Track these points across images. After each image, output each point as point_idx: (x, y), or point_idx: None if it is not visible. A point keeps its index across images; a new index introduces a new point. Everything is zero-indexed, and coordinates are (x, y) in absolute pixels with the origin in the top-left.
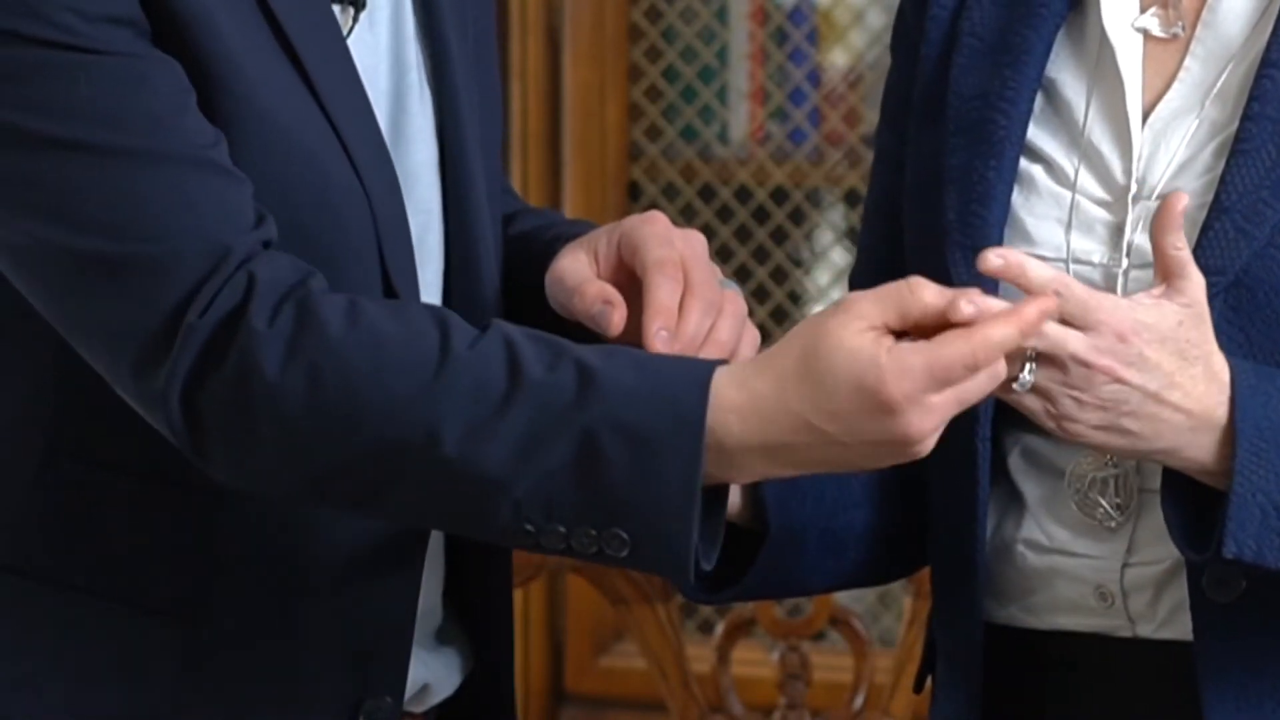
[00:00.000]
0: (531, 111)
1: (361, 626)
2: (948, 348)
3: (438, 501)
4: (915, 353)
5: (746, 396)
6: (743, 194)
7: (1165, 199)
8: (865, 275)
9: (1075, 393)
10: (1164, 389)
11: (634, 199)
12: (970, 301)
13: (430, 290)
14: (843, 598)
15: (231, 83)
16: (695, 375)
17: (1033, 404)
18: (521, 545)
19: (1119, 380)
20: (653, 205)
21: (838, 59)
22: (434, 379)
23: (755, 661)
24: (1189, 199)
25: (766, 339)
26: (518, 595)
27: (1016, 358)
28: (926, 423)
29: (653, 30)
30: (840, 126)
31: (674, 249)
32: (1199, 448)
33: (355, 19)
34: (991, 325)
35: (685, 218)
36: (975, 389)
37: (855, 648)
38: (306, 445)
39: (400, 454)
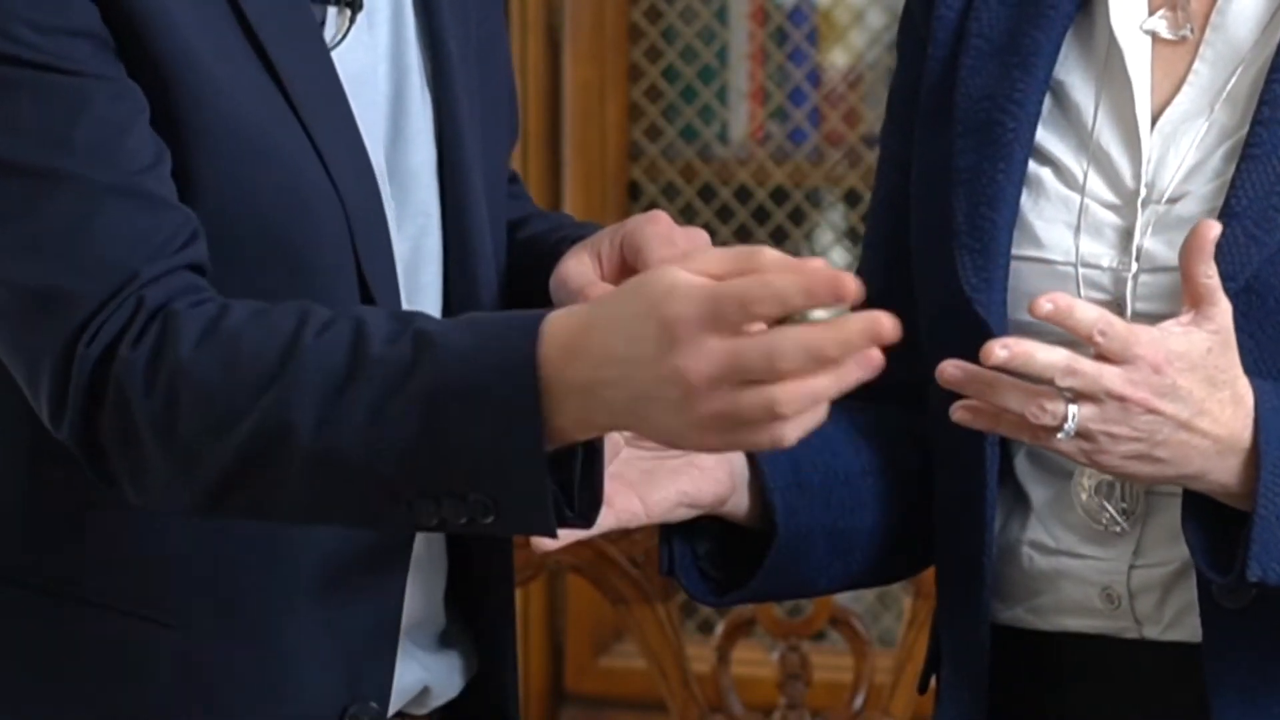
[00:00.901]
0: (531, 111)
1: (347, 631)
2: (729, 282)
3: (319, 495)
4: (704, 284)
5: (568, 336)
6: (743, 194)
7: (1196, 226)
8: (870, 275)
9: (1111, 427)
10: (1194, 417)
11: (634, 199)
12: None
13: (429, 292)
14: (843, 598)
15: (199, 90)
16: (526, 325)
17: (1069, 448)
18: (404, 526)
19: (1153, 411)
20: (653, 205)
21: (838, 59)
22: (280, 374)
23: (755, 661)
24: (1199, 204)
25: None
26: (518, 595)
27: (1053, 402)
28: (699, 363)
29: (653, 30)
30: (840, 126)
31: (677, 249)
32: (1224, 471)
33: (352, 20)
34: (777, 274)
35: (685, 218)
36: (752, 359)
37: (855, 648)
38: (185, 461)
39: (265, 455)
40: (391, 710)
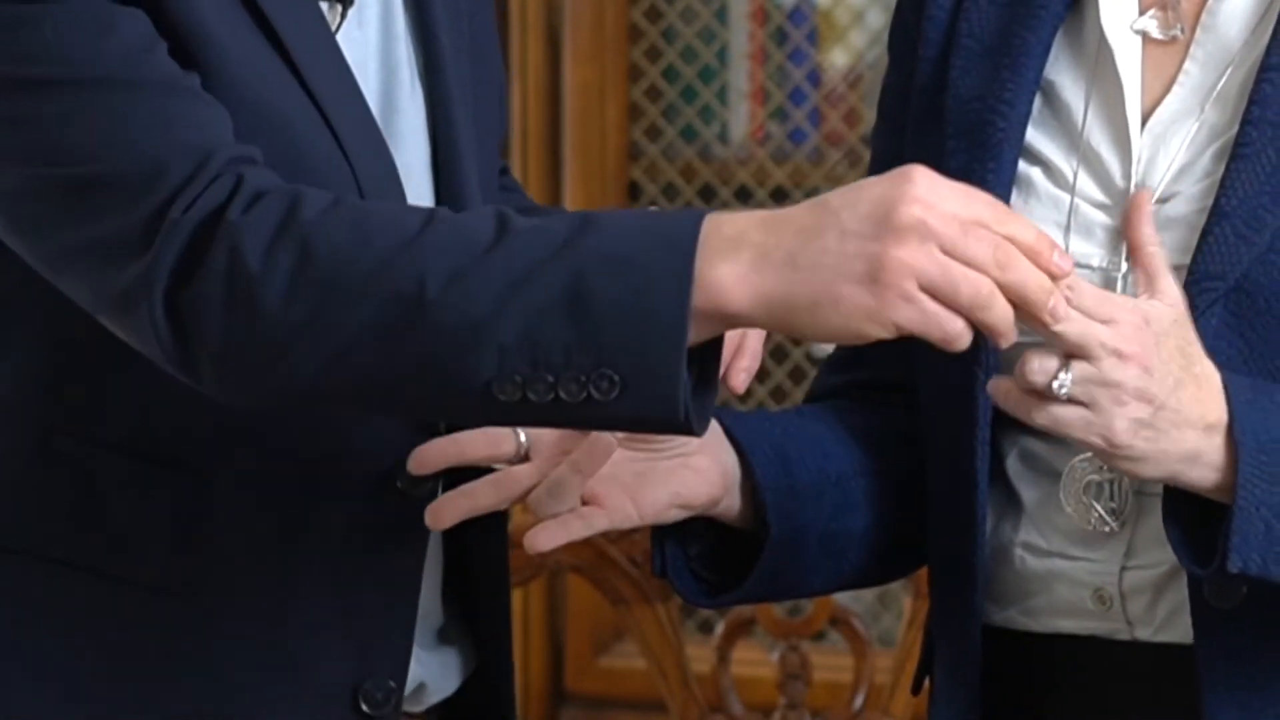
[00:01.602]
0: (531, 111)
1: (361, 608)
2: (1022, 228)
3: (426, 363)
4: (960, 211)
5: (725, 237)
6: (743, 194)
7: (1133, 196)
8: None
9: (1112, 390)
10: (1178, 386)
11: (634, 199)
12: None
13: None
14: (843, 598)
15: (213, 60)
16: (693, 214)
17: (1073, 416)
18: (505, 413)
19: (1147, 369)
20: (653, 205)
21: (838, 59)
22: (419, 234)
23: (755, 661)
24: (1189, 204)
25: (766, 338)
26: (517, 595)
27: (1046, 358)
28: (914, 258)
29: (653, 30)
30: (840, 126)
31: None
32: (1212, 451)
33: (343, 15)
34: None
35: None
36: (969, 288)
37: (855, 648)
38: (297, 324)
39: (386, 310)
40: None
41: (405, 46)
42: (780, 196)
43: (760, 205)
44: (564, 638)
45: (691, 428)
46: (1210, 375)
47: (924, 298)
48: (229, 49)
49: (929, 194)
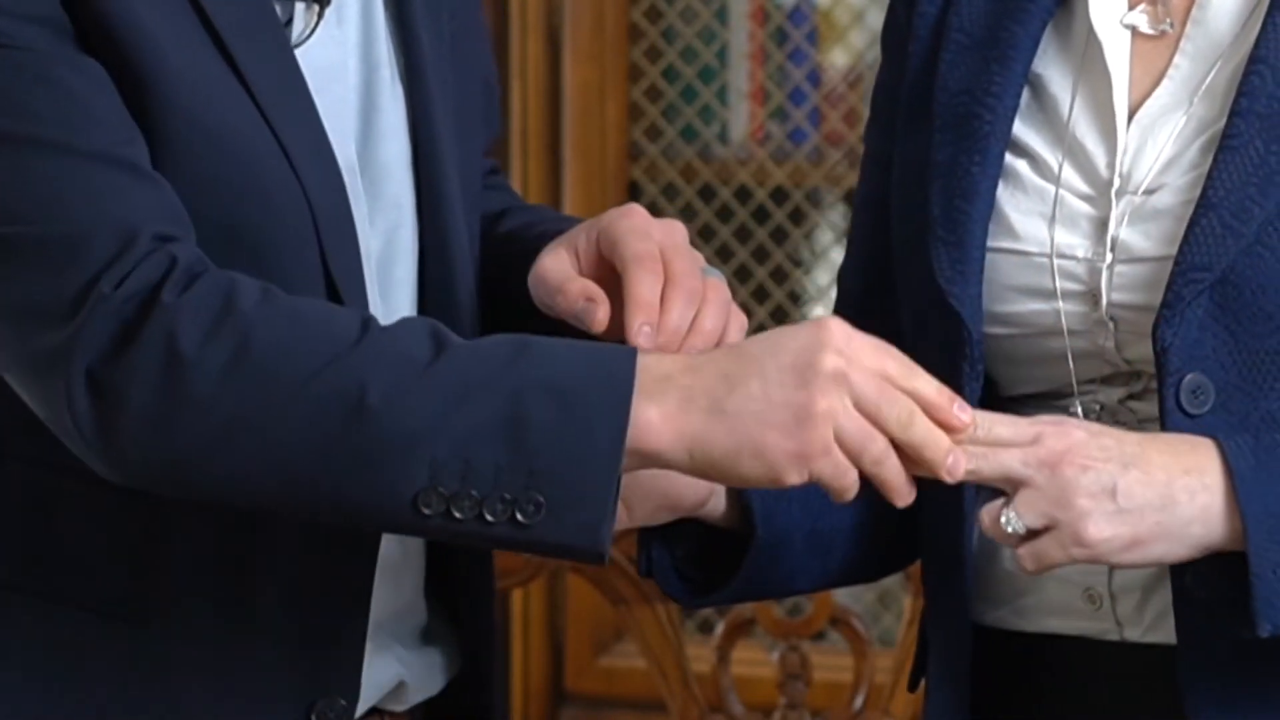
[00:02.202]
0: (531, 111)
1: (313, 627)
2: (920, 381)
3: (357, 467)
4: (868, 371)
5: (655, 377)
6: (743, 194)
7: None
8: (854, 272)
9: (1059, 500)
10: (1134, 459)
11: (634, 199)
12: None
13: (403, 287)
14: (843, 598)
15: (164, 86)
16: (627, 351)
17: (1044, 545)
18: (425, 526)
19: (1084, 463)
20: (653, 205)
21: (838, 59)
22: (359, 341)
23: (755, 661)
24: (1176, 196)
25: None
26: (517, 595)
27: (993, 507)
28: (836, 410)
29: (653, 30)
30: (840, 126)
31: (652, 241)
32: (1208, 499)
33: (320, 15)
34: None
35: (685, 218)
36: (874, 446)
37: (855, 648)
38: (229, 414)
39: (325, 410)
40: (366, 705)
41: (386, 45)
42: (780, 196)
43: (760, 205)
44: (564, 638)
45: (604, 558)
46: (1179, 437)
47: (837, 448)
48: (185, 74)
49: (847, 346)
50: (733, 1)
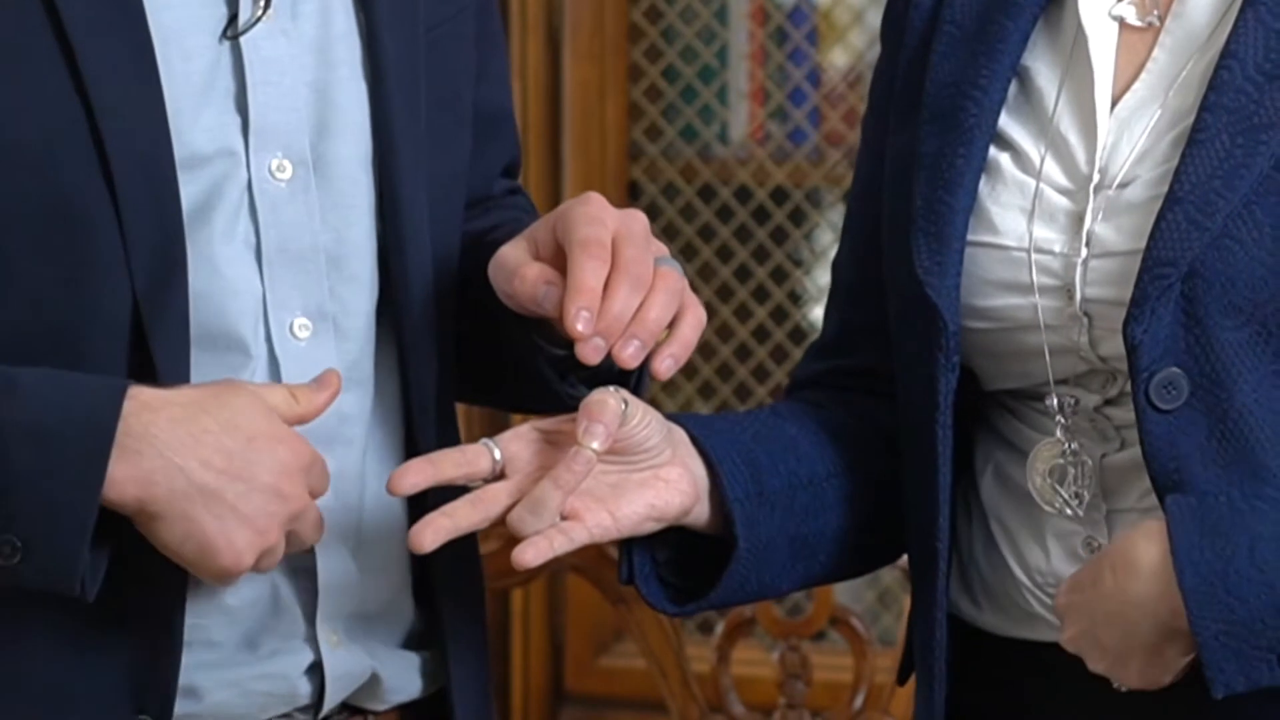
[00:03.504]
0: (531, 111)
1: (127, 651)
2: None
3: None
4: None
5: (153, 396)
6: (743, 194)
7: None
8: (847, 263)
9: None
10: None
11: (634, 199)
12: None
13: (359, 283)
14: (843, 597)
15: None
16: (113, 394)
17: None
18: None
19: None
20: (652, 205)
21: (838, 59)
22: None
23: (755, 661)
24: (1146, 189)
25: (766, 338)
26: (517, 595)
27: None
28: (280, 461)
29: (653, 30)
30: (840, 126)
31: (604, 228)
32: (1157, 592)
33: (266, 7)
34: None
35: (685, 218)
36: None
37: (855, 648)
38: None
39: None
40: (338, 698)
41: (348, 47)
42: (780, 196)
43: (760, 205)
44: (564, 638)
45: (87, 596)
46: (1125, 545)
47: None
48: (11, 83)
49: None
50: (733, 1)
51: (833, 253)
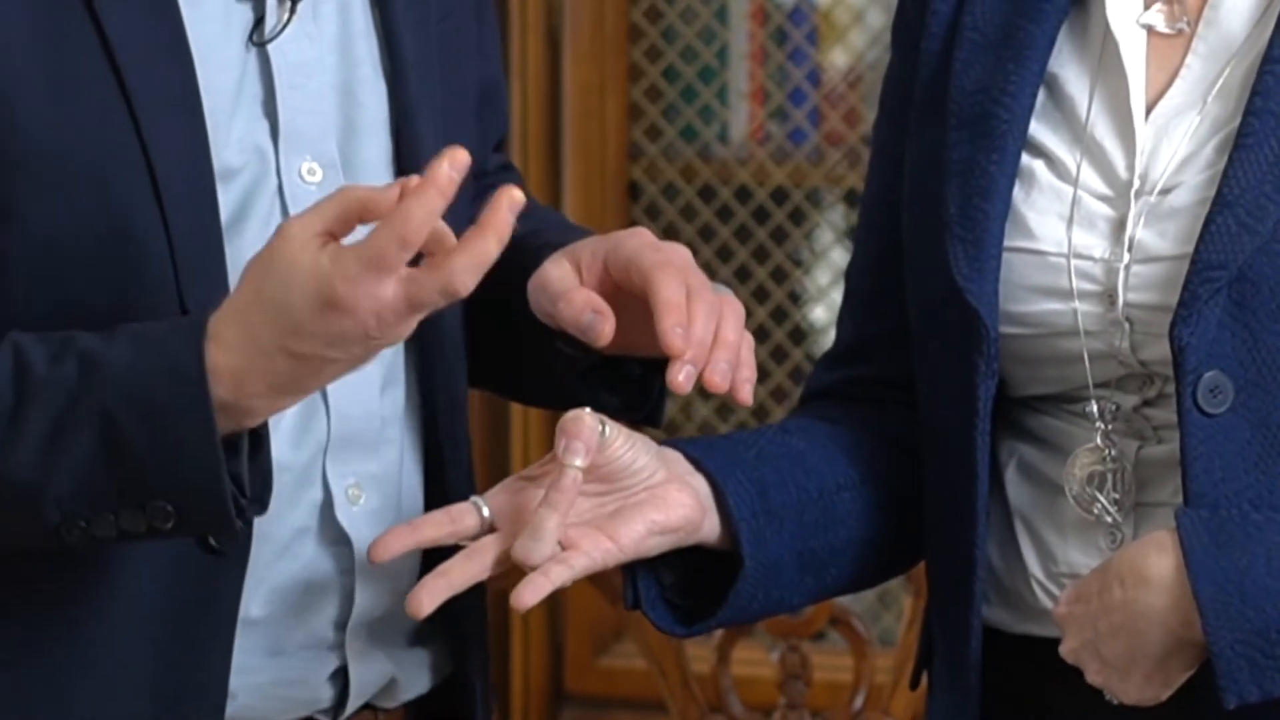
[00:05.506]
0: (531, 111)
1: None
2: (376, 233)
3: None
4: (353, 249)
5: (225, 350)
6: (743, 194)
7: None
8: (862, 270)
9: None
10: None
11: (634, 199)
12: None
13: None
14: (843, 598)
15: (24, 120)
16: (189, 336)
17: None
18: (78, 546)
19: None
20: (652, 205)
21: (838, 59)
22: None
23: (755, 661)
24: (1192, 194)
25: (766, 338)
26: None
27: None
28: (381, 307)
29: (653, 30)
30: (840, 126)
31: (668, 255)
32: (1171, 604)
33: (292, 11)
34: (410, 199)
35: (685, 218)
36: (426, 287)
37: (855, 648)
38: None
39: None
40: (359, 702)
41: (367, 44)
42: (780, 196)
43: (760, 205)
44: (564, 638)
45: (256, 511)
46: (1132, 550)
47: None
48: (57, 103)
49: (334, 265)
50: (733, 1)
51: (833, 253)
